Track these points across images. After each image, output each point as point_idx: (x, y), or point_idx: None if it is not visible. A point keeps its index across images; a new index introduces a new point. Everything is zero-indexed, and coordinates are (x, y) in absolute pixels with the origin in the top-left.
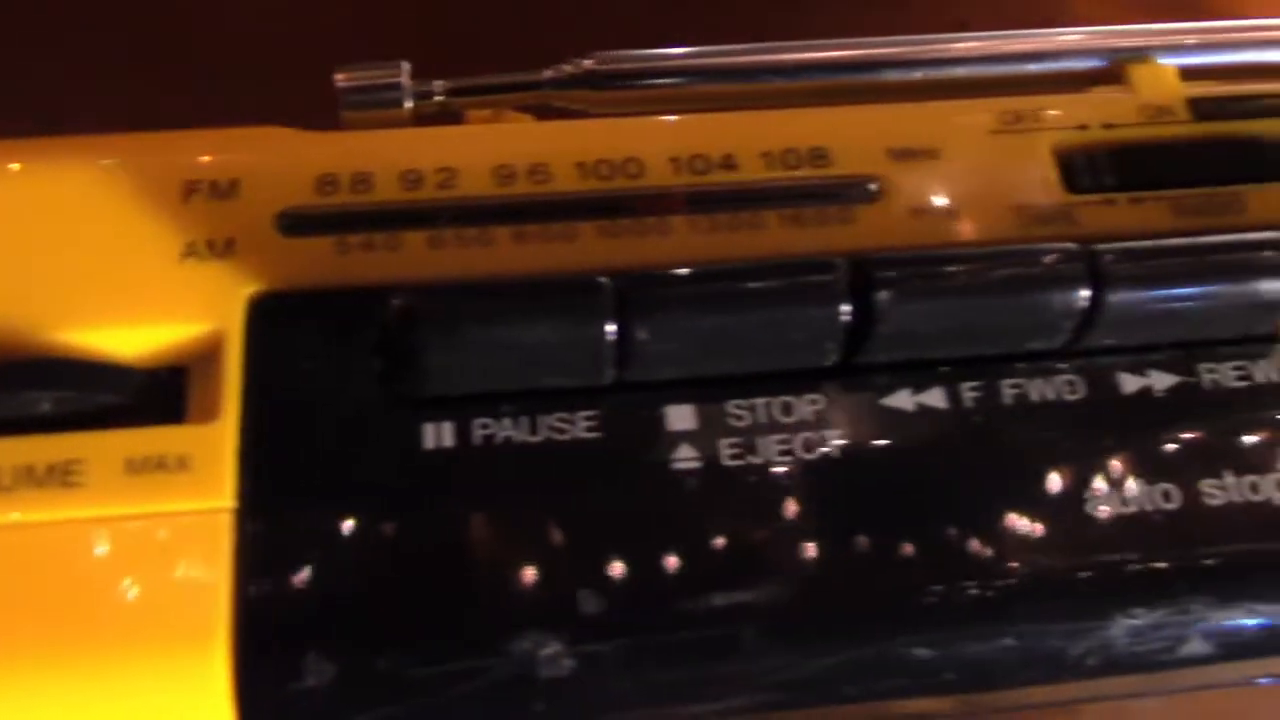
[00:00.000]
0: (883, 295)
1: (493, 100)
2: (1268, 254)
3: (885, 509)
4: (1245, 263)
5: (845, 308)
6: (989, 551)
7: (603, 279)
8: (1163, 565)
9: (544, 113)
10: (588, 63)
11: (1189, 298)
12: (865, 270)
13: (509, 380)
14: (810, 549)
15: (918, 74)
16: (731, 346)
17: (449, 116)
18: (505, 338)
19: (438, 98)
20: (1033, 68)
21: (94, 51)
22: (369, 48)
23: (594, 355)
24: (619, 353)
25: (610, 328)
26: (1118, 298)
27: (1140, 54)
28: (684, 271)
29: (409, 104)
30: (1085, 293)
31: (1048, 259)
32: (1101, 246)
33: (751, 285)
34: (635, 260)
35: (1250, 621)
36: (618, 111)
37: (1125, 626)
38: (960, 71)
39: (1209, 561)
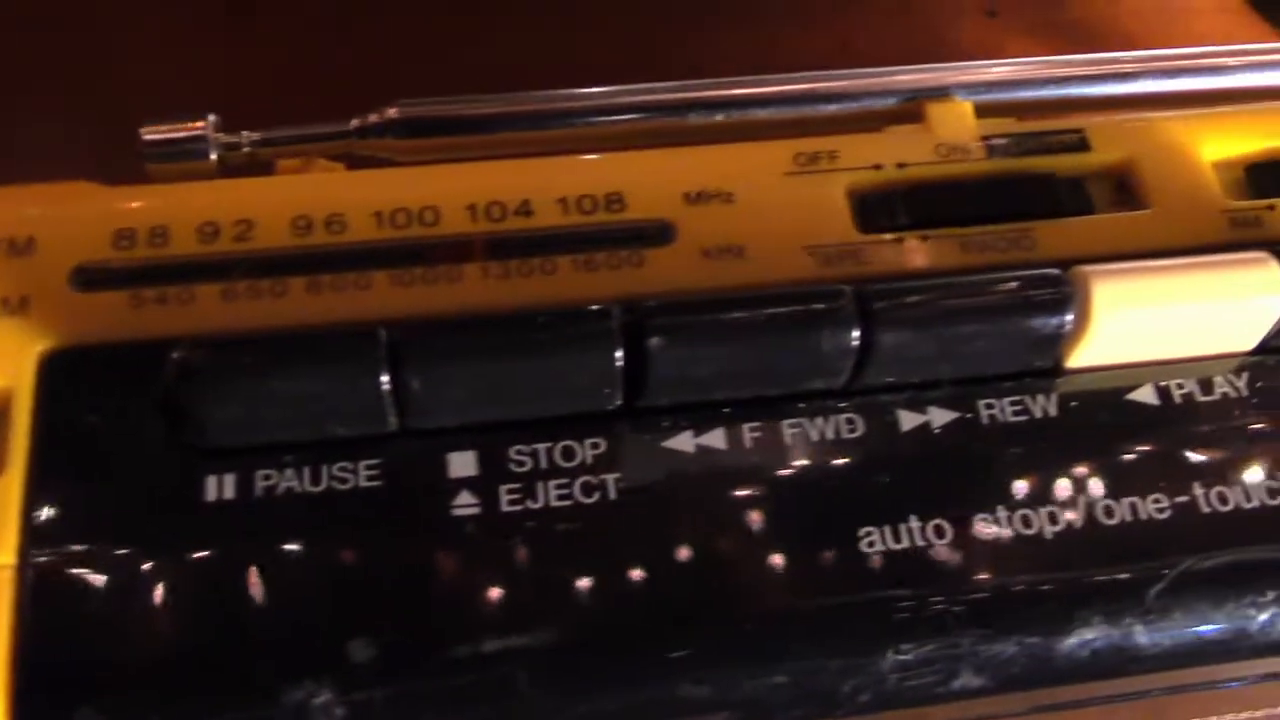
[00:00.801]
0: (654, 341)
1: (301, 150)
2: (1041, 291)
3: (660, 550)
4: (1017, 300)
5: (619, 354)
6: (760, 590)
7: (379, 330)
8: (933, 600)
9: (357, 161)
10: (392, 111)
11: (961, 335)
12: (638, 317)
13: (294, 431)
14: (583, 592)
15: (719, 116)
16: (512, 394)
17: (260, 167)
18: (280, 390)
19: (245, 149)
20: (834, 108)
21: None
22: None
23: (374, 405)
24: (398, 402)
25: (385, 379)
26: (889, 338)
27: (942, 92)
28: (459, 321)
29: (214, 156)
30: (856, 333)
31: (816, 302)
32: (872, 287)
33: (526, 334)
34: (428, 308)
35: (1018, 652)
36: (424, 159)
37: (894, 662)
38: (762, 113)
39: (979, 595)
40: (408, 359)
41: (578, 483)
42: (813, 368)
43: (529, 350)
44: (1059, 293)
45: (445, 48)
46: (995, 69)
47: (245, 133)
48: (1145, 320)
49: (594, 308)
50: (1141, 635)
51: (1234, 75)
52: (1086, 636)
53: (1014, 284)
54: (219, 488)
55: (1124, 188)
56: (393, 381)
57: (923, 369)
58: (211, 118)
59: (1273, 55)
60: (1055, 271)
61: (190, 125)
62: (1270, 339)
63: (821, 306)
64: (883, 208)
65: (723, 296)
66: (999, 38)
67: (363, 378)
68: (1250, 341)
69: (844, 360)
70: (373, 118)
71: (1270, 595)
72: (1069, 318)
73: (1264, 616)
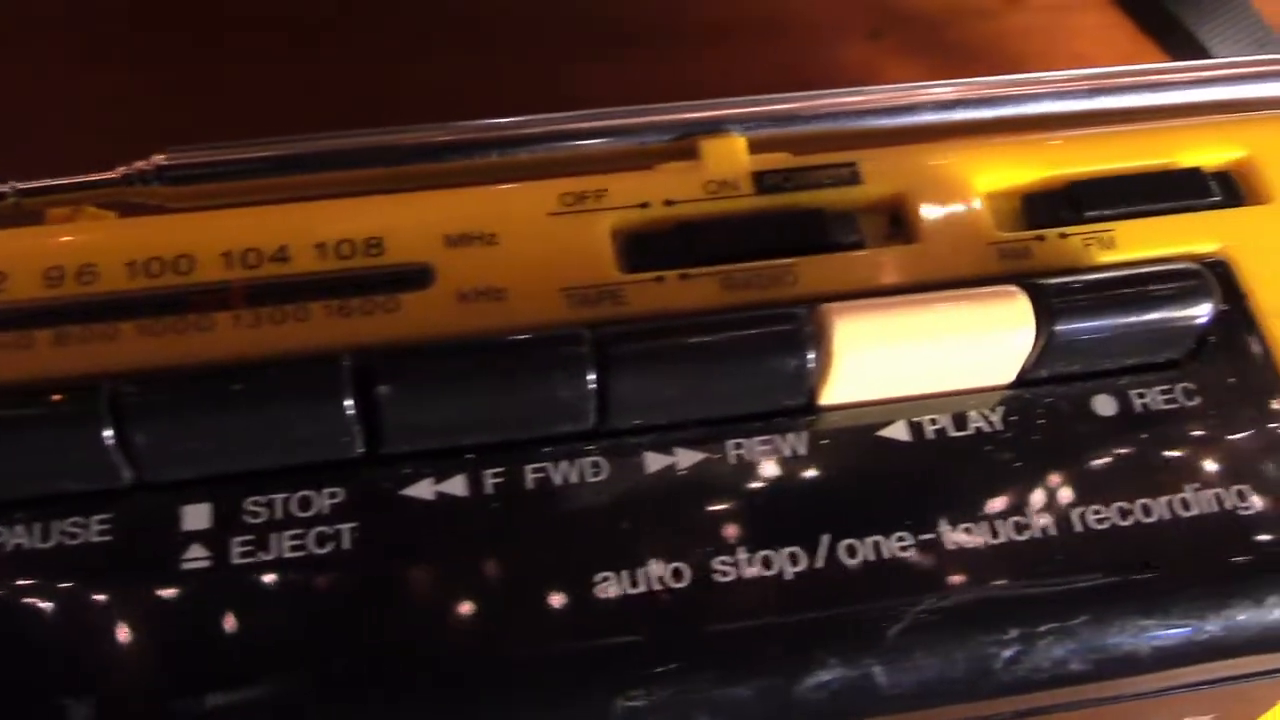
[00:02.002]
0: (383, 390)
1: (69, 199)
2: (780, 330)
3: (390, 601)
4: (756, 340)
5: (349, 403)
6: (492, 638)
7: (103, 384)
8: (667, 644)
9: (130, 210)
10: (159, 158)
11: (701, 377)
12: (368, 366)
13: (22, 487)
14: (309, 645)
15: (492, 155)
16: (247, 445)
17: (30, 216)
18: (5, 448)
19: (10, 199)
20: (607, 144)
21: None
22: None
23: (102, 460)
24: (128, 457)
25: (108, 433)
26: (627, 381)
27: (717, 127)
28: (186, 373)
29: None
30: (592, 377)
31: (551, 347)
32: (610, 330)
33: (255, 385)
34: (177, 359)
35: (755, 695)
36: (195, 206)
37: (624, 709)
38: (534, 152)
39: (715, 637)
40: (131, 414)
41: (312, 533)
42: (553, 412)
43: (258, 401)
44: (798, 332)
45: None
46: (773, 103)
47: (12, 182)
48: (891, 357)
49: (323, 358)
50: (881, 675)
51: (1016, 105)
52: (824, 678)
53: (753, 324)
54: None
55: (896, 221)
56: (118, 437)
57: (670, 410)
58: None
59: (1035, 86)
60: (795, 310)
61: None
62: (1027, 371)
63: (556, 352)
64: (648, 247)
65: (457, 342)
66: (882, 60)
67: (84, 432)
68: (1008, 375)
69: (584, 404)
70: (139, 165)
71: (1014, 633)
72: (810, 356)
73: (1007, 654)
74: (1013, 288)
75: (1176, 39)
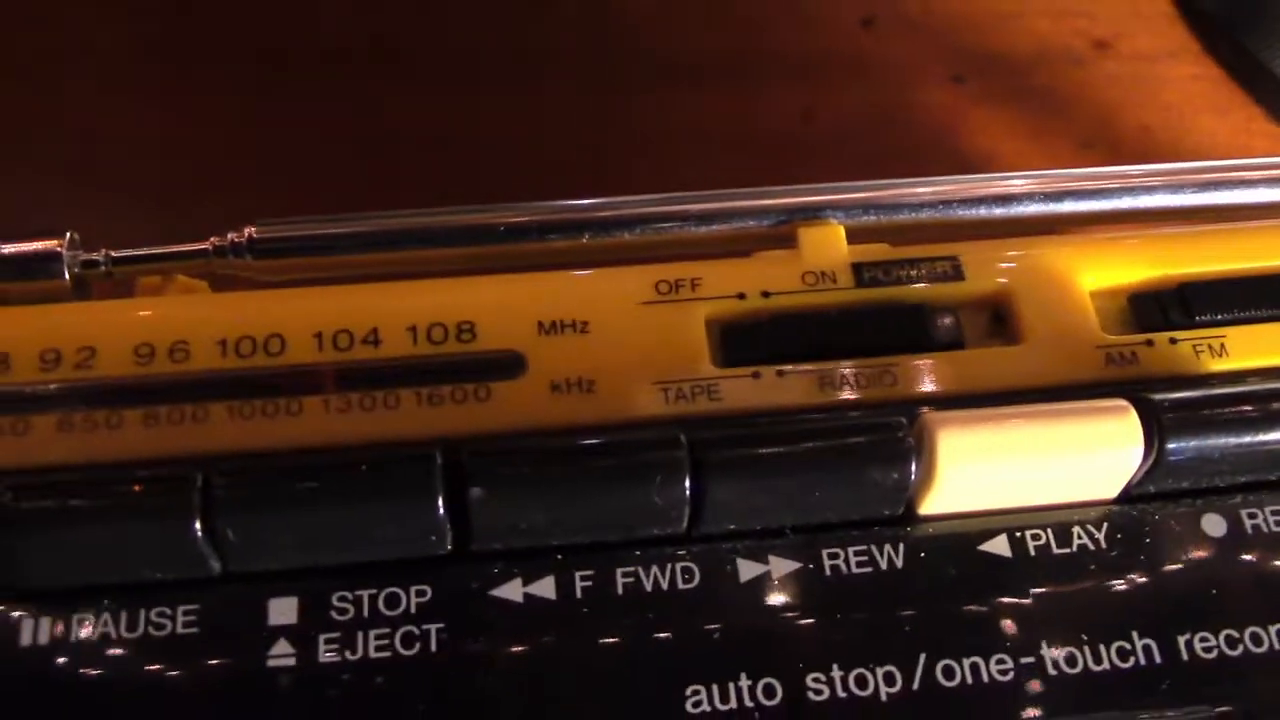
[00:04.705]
0: (475, 491)
1: (159, 269)
2: (882, 439)
3: (478, 708)
4: (856, 449)
5: (439, 503)
6: None
7: (195, 475)
8: None
9: (221, 280)
10: (250, 230)
11: (798, 485)
12: (459, 464)
13: (111, 574)
14: None
15: (585, 238)
16: (335, 539)
17: (122, 286)
18: (91, 535)
19: (102, 268)
20: (703, 230)
21: None
22: None
23: (191, 551)
24: (216, 548)
25: (197, 525)
26: (723, 488)
27: (815, 213)
28: (278, 464)
29: (69, 275)
30: (687, 484)
31: (647, 451)
32: (706, 434)
33: (343, 481)
34: (266, 443)
35: None
36: (286, 279)
37: None
38: (627, 236)
39: None
40: (221, 507)
41: (399, 633)
42: (646, 516)
43: (349, 498)
44: (901, 442)
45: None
46: (874, 190)
47: (104, 250)
48: (995, 471)
49: (416, 453)
50: None
51: (1125, 198)
52: None
53: (855, 432)
54: (34, 631)
55: (999, 319)
56: (205, 529)
57: (765, 516)
58: (71, 234)
59: (1145, 179)
60: (898, 419)
61: (44, 243)
62: (1134, 486)
63: (651, 455)
64: (743, 340)
65: (550, 442)
66: (966, 105)
67: (175, 525)
68: (1114, 490)
69: (677, 509)
70: (230, 237)
71: None
72: (912, 468)
73: None
74: (1123, 402)
75: (1269, 90)
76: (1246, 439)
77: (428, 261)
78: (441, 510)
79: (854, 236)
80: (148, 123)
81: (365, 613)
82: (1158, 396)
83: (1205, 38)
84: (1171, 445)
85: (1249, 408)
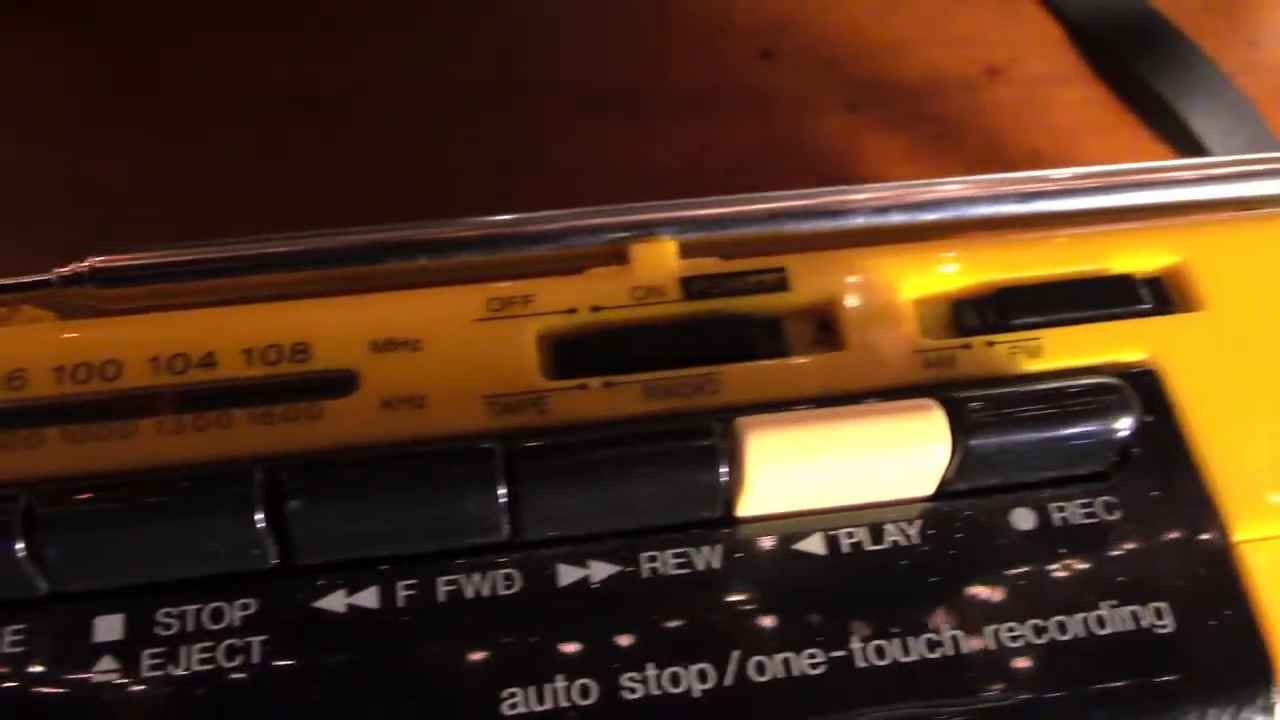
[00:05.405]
0: (292, 505)
1: (3, 300)
2: (693, 443)
3: (295, 715)
4: (669, 452)
5: (259, 517)
6: None
7: (20, 496)
8: None
9: (69, 309)
10: (93, 260)
11: (614, 489)
12: (278, 480)
13: None
14: None
15: (421, 260)
16: (158, 557)
17: None
18: None
19: None
20: (539, 249)
21: None
22: None
23: (12, 571)
24: (39, 568)
25: (19, 545)
26: (538, 496)
27: (648, 231)
28: (93, 484)
29: None
30: (502, 491)
31: (461, 461)
32: (518, 443)
33: (164, 499)
34: (101, 466)
35: None
36: (132, 307)
37: None
38: (462, 257)
39: None
40: (43, 526)
41: (222, 646)
42: (465, 525)
43: (170, 515)
44: (711, 446)
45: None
46: (706, 207)
47: None
48: (806, 471)
49: (234, 470)
50: None
51: (952, 209)
52: None
53: (665, 437)
54: None
55: (824, 327)
56: (29, 549)
57: (585, 522)
58: None
59: (967, 190)
60: (709, 423)
61: None
62: (947, 483)
63: (464, 465)
64: (572, 353)
65: (367, 455)
66: (861, 133)
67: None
68: (928, 487)
69: (496, 517)
70: (73, 268)
71: None
72: (723, 471)
73: None
74: (929, 401)
75: (1156, 111)
76: (1048, 434)
77: (270, 286)
78: (261, 524)
79: (690, 253)
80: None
81: (190, 628)
82: (963, 395)
83: (1094, 61)
84: (976, 441)
85: (1047, 404)
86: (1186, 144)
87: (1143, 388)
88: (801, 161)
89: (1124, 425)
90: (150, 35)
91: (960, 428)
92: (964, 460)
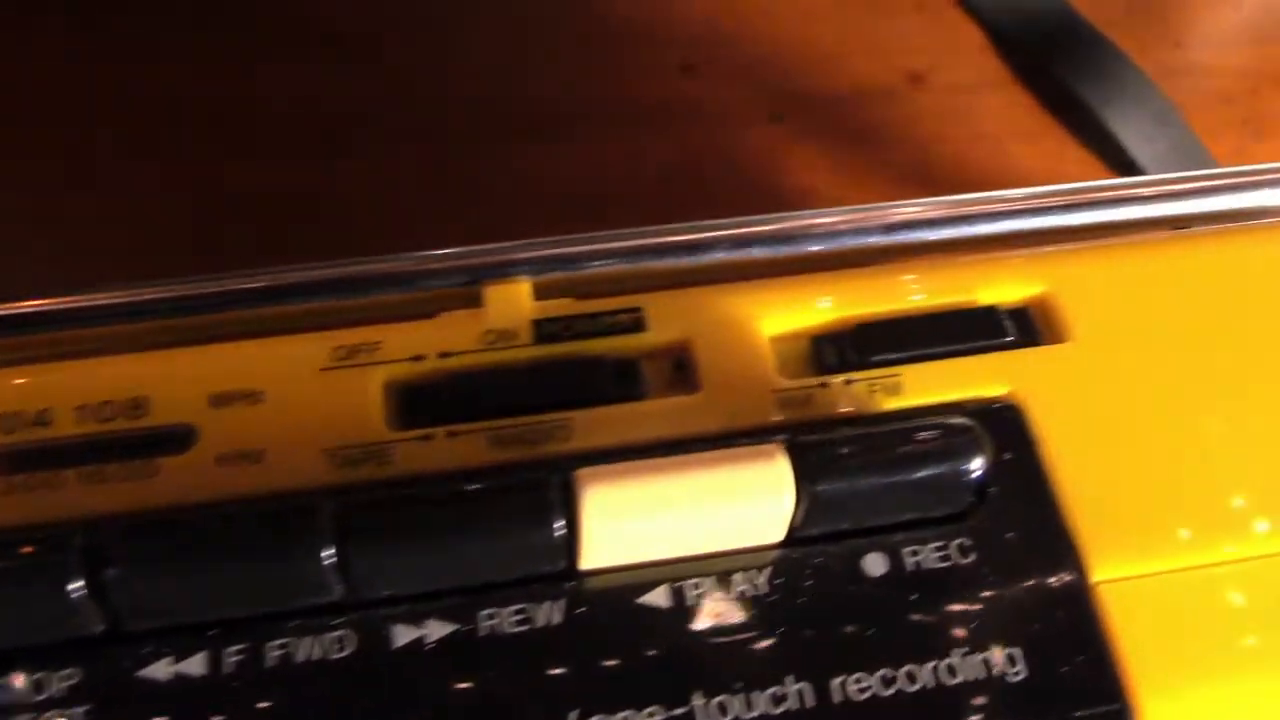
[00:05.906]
0: (110, 572)
1: None
2: (525, 498)
3: None
4: (501, 508)
5: (77, 585)
6: None
7: None
8: None
9: None
10: None
11: (446, 546)
12: (98, 546)
13: None
14: None
15: (265, 307)
16: None
17: None
18: None
19: None
20: (391, 293)
21: None
22: None
23: None
24: None
25: None
26: (367, 556)
27: (503, 272)
28: None
29: None
30: (330, 552)
31: (285, 521)
32: (347, 500)
33: None
34: None
35: None
36: None
37: None
38: (308, 304)
39: None
40: None
41: (43, 718)
42: (295, 586)
43: None
44: (544, 499)
45: None
46: (561, 245)
47: None
48: (645, 524)
49: (51, 536)
50: None
51: (816, 242)
52: None
53: (496, 493)
54: None
55: (680, 368)
56: None
57: (422, 580)
58: None
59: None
60: (543, 476)
61: None
62: (797, 529)
63: (288, 525)
64: (419, 402)
65: (189, 517)
66: (786, 143)
67: None
68: (777, 534)
69: (324, 577)
70: None
71: None
72: (558, 525)
73: None
74: (771, 447)
75: (1078, 115)
76: (895, 477)
77: (113, 338)
78: (80, 593)
79: (547, 294)
80: None
81: (11, 699)
82: (808, 439)
83: (1017, 66)
84: (821, 487)
85: (893, 447)
86: (1110, 149)
87: (1003, 423)
88: (728, 172)
89: (975, 466)
90: None
91: (805, 474)
92: (810, 506)
